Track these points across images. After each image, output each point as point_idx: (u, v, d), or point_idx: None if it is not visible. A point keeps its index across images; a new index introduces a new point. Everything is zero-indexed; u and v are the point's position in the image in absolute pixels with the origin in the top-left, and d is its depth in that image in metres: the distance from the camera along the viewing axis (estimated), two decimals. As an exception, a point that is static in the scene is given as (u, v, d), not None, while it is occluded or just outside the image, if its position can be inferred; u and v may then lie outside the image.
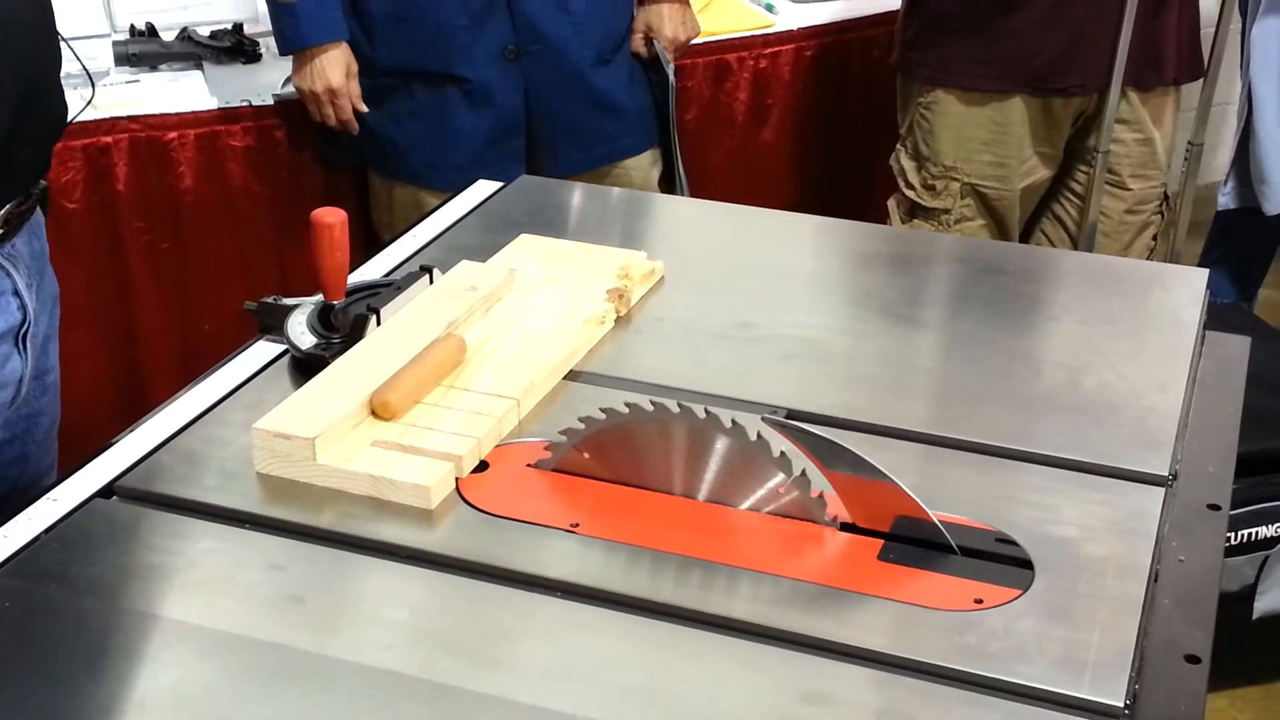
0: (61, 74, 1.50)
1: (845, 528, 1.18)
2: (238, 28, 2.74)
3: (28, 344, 1.49)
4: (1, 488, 1.51)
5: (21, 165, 1.44)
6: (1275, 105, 2.96)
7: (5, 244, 1.44)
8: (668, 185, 2.67)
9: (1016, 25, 2.58)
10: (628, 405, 1.22)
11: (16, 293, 1.46)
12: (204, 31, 2.73)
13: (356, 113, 2.44)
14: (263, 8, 2.59)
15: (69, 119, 1.54)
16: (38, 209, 1.51)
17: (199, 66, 2.68)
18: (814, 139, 3.05)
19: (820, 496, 1.18)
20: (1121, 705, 1.01)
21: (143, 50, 2.67)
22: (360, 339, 1.40)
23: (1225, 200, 3.12)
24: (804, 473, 1.18)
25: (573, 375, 1.42)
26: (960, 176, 2.69)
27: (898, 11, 2.76)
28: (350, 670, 1.04)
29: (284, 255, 2.58)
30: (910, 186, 2.76)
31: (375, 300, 1.45)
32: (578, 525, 1.19)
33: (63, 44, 1.50)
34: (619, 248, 1.64)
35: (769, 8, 3.02)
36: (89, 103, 1.73)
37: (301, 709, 1.01)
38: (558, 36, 2.43)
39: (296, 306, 1.47)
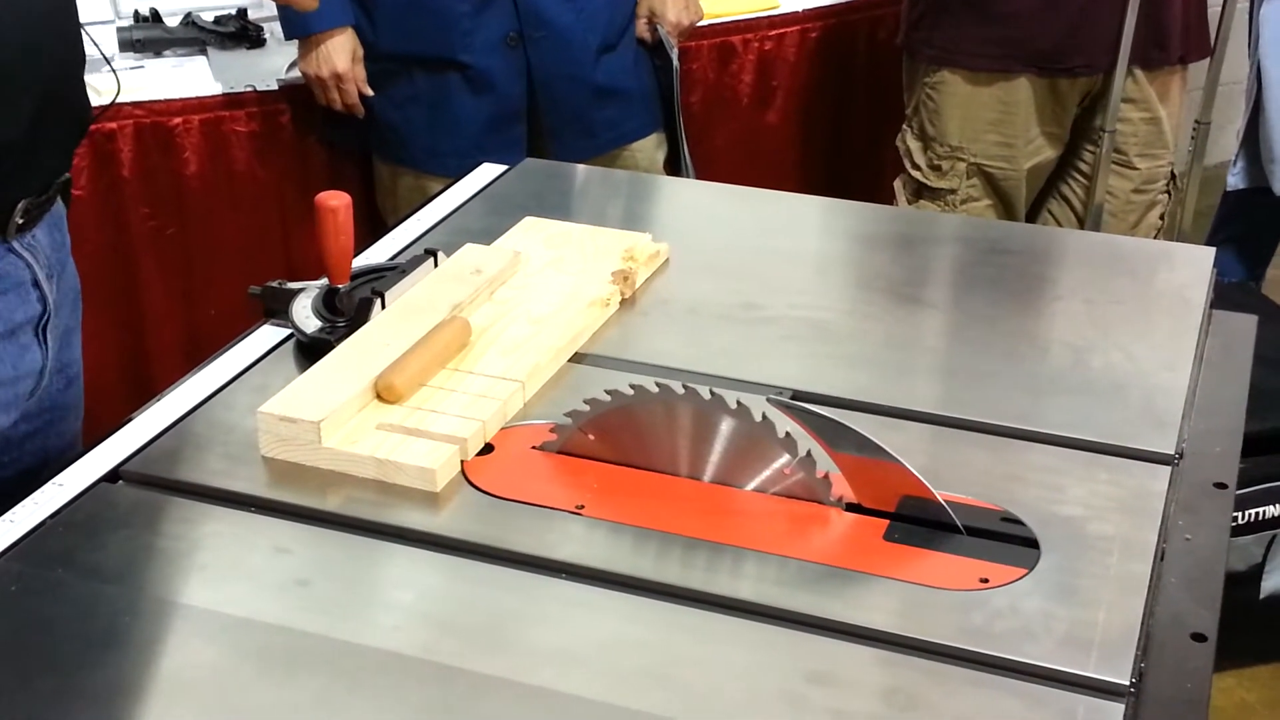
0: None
1: (851, 508, 1.18)
2: (241, 13, 2.74)
3: (48, 335, 1.49)
4: (23, 479, 1.50)
5: (43, 163, 1.43)
6: (1285, 85, 2.95)
7: (25, 234, 1.44)
8: (673, 168, 2.67)
9: (1022, 5, 2.57)
10: (633, 387, 1.22)
11: (36, 284, 1.46)
12: (208, 17, 2.73)
13: (361, 97, 2.44)
14: (266, -8, 2.60)
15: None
16: (58, 200, 1.51)
17: (203, 52, 2.68)
18: (819, 121, 3.05)
19: (826, 477, 1.18)
20: (1127, 684, 1.01)
21: (147, 36, 2.66)
22: (365, 322, 1.40)
23: (1234, 180, 3.11)
24: (809, 453, 1.18)
25: (578, 358, 1.42)
26: (966, 157, 2.68)
27: (903, -8, 2.76)
28: (356, 653, 1.04)
29: (289, 240, 2.59)
30: (916, 167, 2.76)
31: (380, 284, 1.45)
32: (583, 507, 1.19)
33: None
34: (624, 230, 1.64)
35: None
36: (112, 101, 1.72)
37: (307, 692, 1.01)
38: (561, 23, 2.43)
39: (301, 290, 1.47)
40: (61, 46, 1.43)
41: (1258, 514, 2.38)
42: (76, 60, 1.48)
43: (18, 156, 1.37)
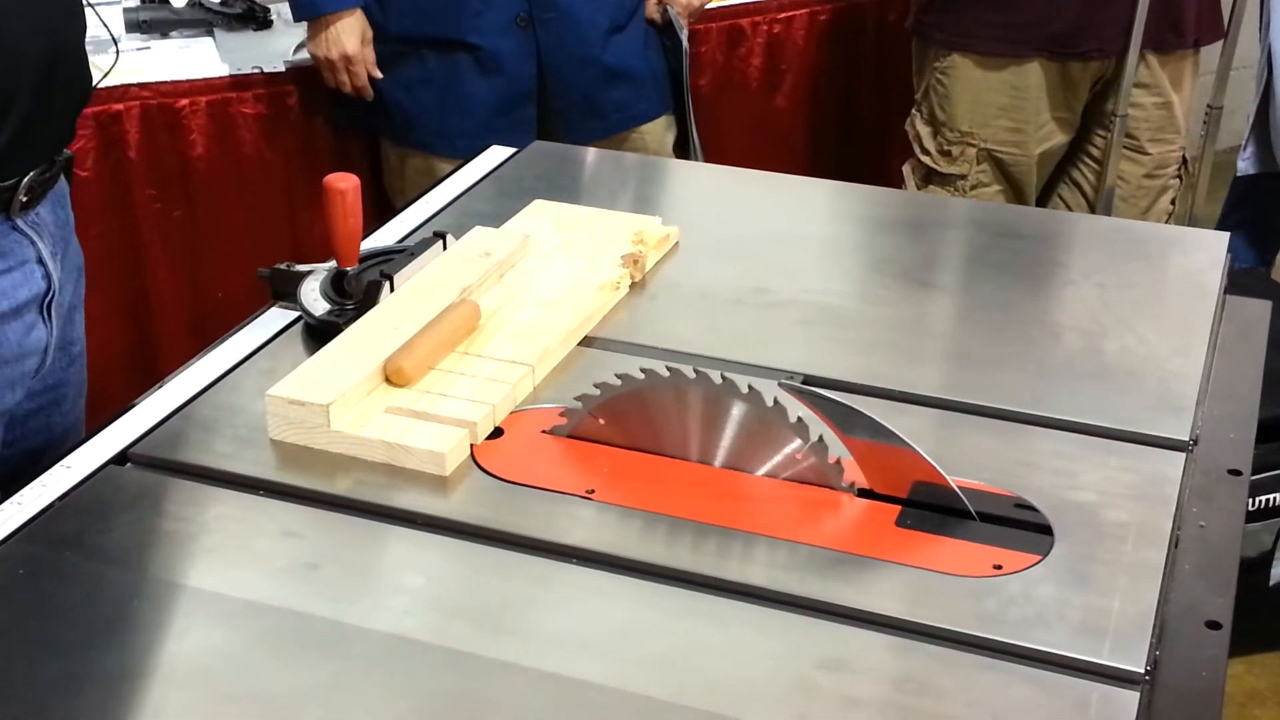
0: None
1: (863, 494, 1.18)
2: (249, -6, 2.72)
3: (52, 313, 1.49)
4: (28, 457, 1.51)
5: (46, 134, 1.43)
6: (1296, 70, 2.93)
7: (29, 212, 1.44)
8: (681, 151, 2.66)
9: (1033, -12, 2.55)
10: (643, 371, 1.21)
11: (41, 261, 1.46)
12: (215, -2, 2.71)
13: (370, 79, 2.43)
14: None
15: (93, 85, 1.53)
16: (62, 177, 1.51)
17: (210, 33, 2.67)
18: (828, 104, 3.03)
19: (838, 462, 1.17)
20: (1142, 671, 1.00)
21: (153, 17, 2.65)
22: (374, 305, 1.40)
23: (1245, 165, 3.09)
24: (821, 438, 1.17)
25: (588, 341, 1.41)
26: (976, 142, 2.67)
27: (913, -25, 2.74)
28: (366, 637, 1.04)
29: (296, 222, 2.58)
30: (926, 152, 2.74)
31: (389, 266, 1.44)
32: (593, 492, 1.18)
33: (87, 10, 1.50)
34: (633, 213, 1.63)
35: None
36: (107, 72, 1.72)
37: (317, 676, 1.01)
38: (571, 4, 2.41)
39: (310, 273, 1.46)
40: (62, 14, 1.43)
41: (1268, 501, 2.37)
42: (78, 28, 1.48)
43: (23, 125, 1.37)
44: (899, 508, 1.16)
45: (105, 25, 1.70)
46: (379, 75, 2.43)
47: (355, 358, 1.29)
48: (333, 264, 1.45)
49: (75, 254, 1.57)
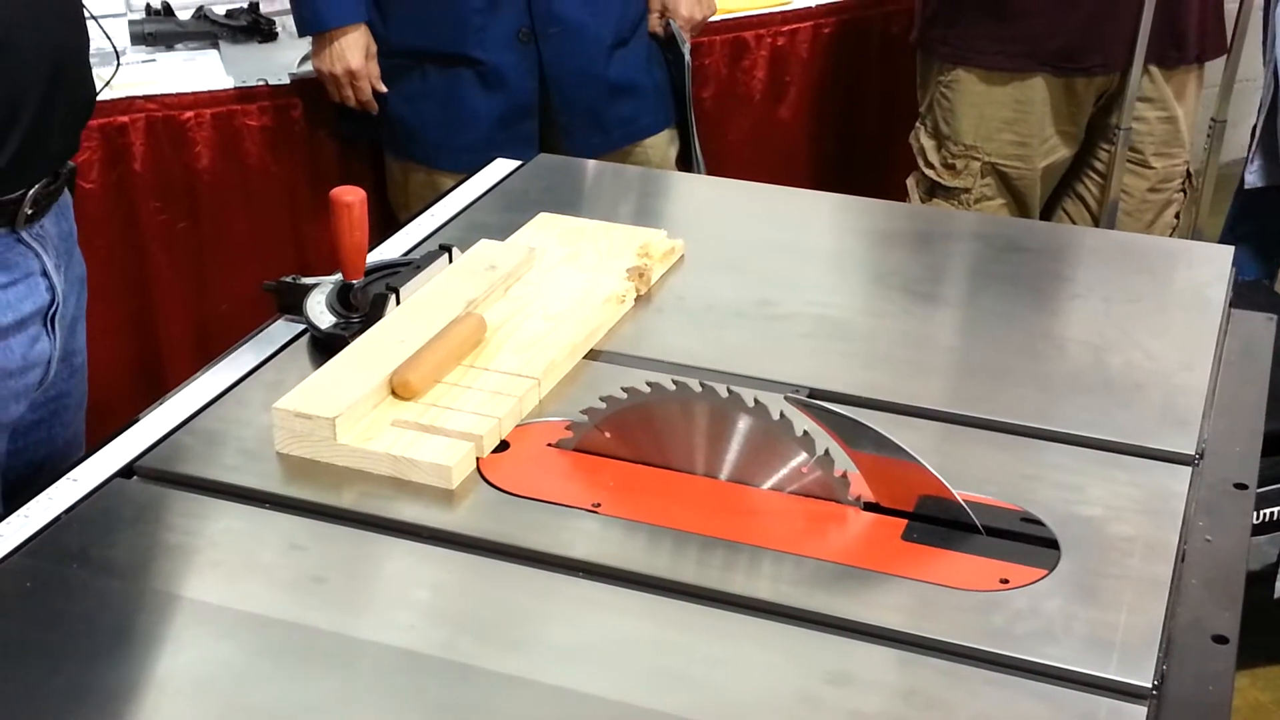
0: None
1: (869, 507, 1.18)
2: (254, 6, 2.73)
3: (56, 325, 1.49)
4: (29, 468, 1.51)
5: (51, 146, 1.44)
6: (1300, 83, 2.93)
7: (34, 224, 1.44)
8: (684, 164, 2.66)
9: (1038, 3, 2.56)
10: (649, 384, 1.21)
11: (45, 273, 1.47)
12: (220, 10, 2.72)
13: (374, 93, 2.43)
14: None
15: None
16: (65, 190, 1.51)
17: (215, 46, 2.67)
18: (832, 117, 3.04)
19: (844, 476, 1.17)
20: (1149, 686, 1.00)
21: (159, 29, 2.66)
22: (380, 318, 1.40)
23: (1252, 179, 3.09)
24: (827, 452, 1.17)
25: (593, 354, 1.41)
26: (981, 156, 2.67)
27: (917, -12, 2.74)
28: (372, 650, 1.04)
29: (301, 235, 2.58)
30: (930, 165, 2.74)
31: (394, 279, 1.44)
32: (599, 505, 1.18)
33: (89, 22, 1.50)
34: (638, 226, 1.63)
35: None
36: (109, 81, 1.73)
37: (323, 689, 1.01)
38: (574, 19, 2.42)
39: (315, 286, 1.46)
40: (66, 27, 1.43)
41: (1272, 514, 2.37)
42: (81, 40, 1.48)
43: (28, 138, 1.37)
44: (905, 521, 1.16)
45: (109, 37, 1.71)
46: (384, 90, 2.43)
47: (361, 371, 1.30)
48: (338, 277, 1.45)
49: (78, 265, 1.57)
